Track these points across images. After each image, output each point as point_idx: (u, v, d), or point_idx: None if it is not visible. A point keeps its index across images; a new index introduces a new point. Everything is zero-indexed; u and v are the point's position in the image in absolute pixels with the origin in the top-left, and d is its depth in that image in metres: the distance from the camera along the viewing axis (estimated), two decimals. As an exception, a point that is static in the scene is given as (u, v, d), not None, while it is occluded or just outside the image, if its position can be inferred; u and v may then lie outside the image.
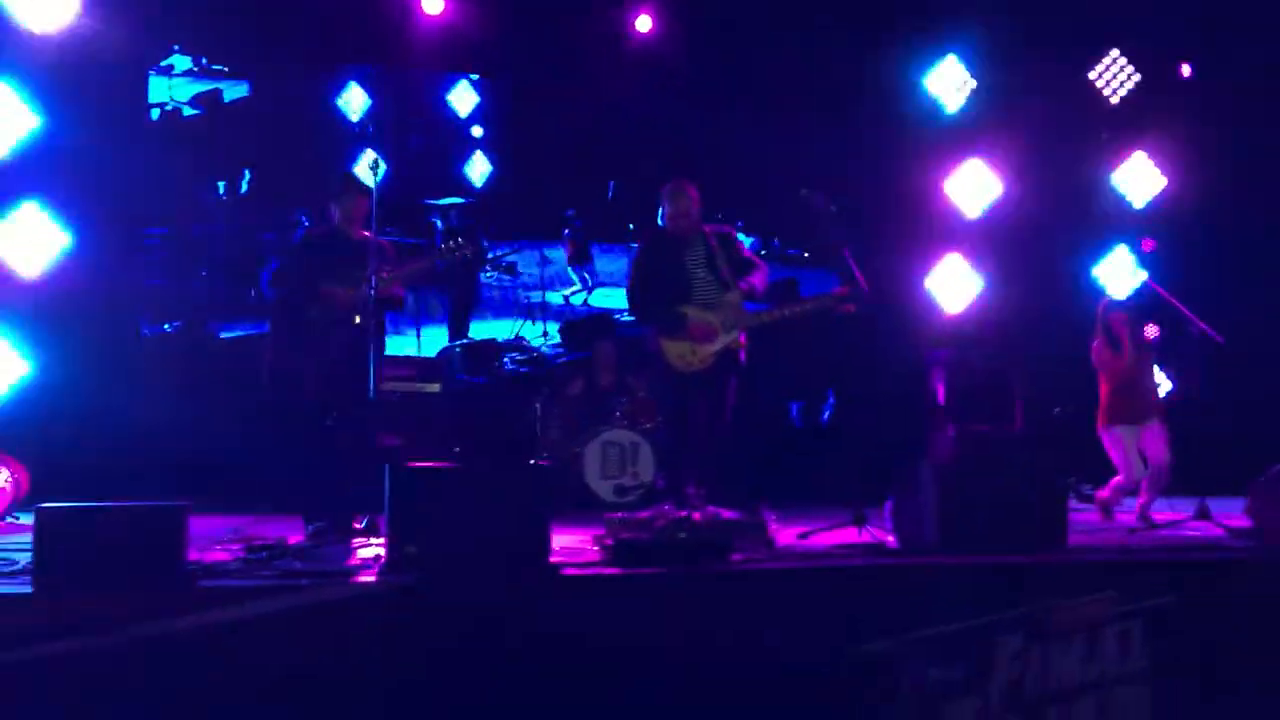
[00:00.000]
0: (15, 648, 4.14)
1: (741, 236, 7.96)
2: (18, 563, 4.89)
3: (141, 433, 7.86)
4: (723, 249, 6.65)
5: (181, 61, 11.43)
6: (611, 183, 12.71)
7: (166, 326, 10.08)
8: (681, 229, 6.63)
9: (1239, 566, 5.58)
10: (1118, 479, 7.42)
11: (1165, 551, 5.88)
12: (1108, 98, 10.23)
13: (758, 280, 6.69)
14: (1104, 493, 7.55)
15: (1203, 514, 6.73)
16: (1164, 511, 7.04)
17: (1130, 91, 10.20)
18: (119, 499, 4.74)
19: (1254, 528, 6.07)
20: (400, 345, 10.42)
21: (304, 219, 11.34)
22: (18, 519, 6.94)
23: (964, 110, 10.06)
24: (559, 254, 12.51)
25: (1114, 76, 10.21)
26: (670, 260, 6.63)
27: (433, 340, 10.65)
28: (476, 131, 13.16)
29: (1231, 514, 6.49)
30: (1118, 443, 7.34)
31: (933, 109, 10.07)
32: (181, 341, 10.01)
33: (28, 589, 4.45)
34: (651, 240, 6.82)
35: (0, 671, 4.10)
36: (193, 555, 4.83)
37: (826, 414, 10.48)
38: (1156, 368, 7.64)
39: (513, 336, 10.96)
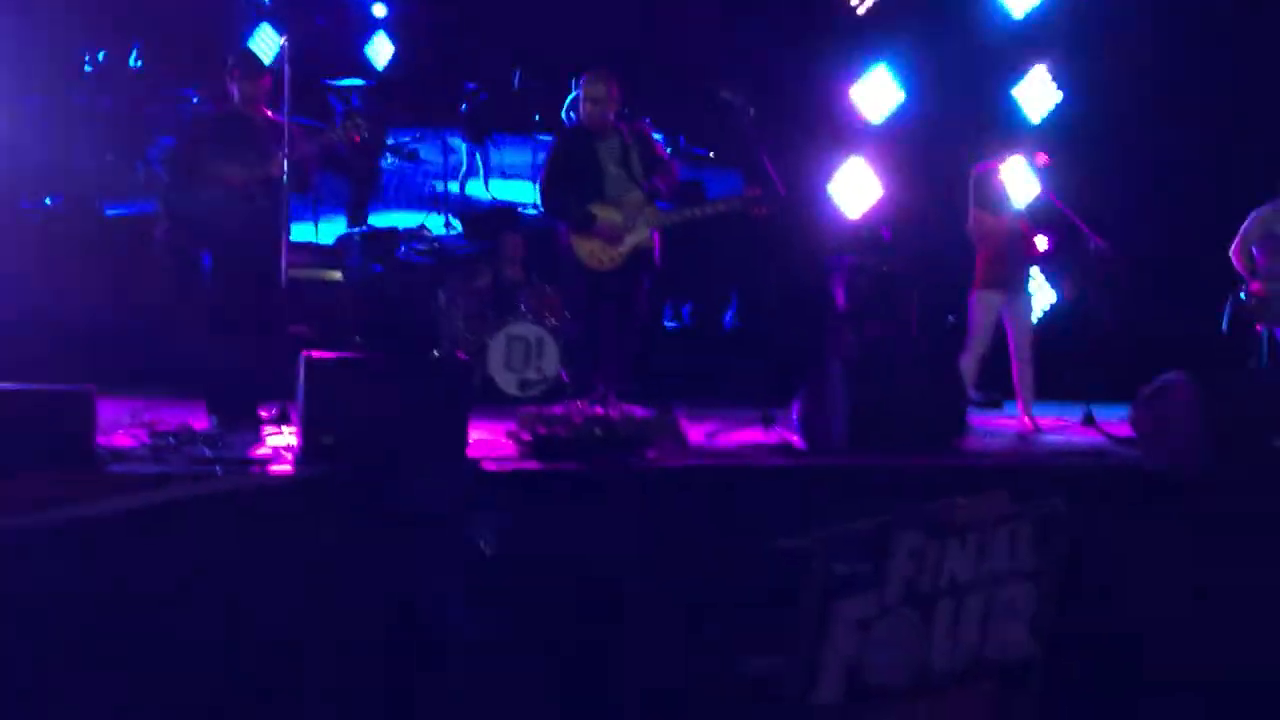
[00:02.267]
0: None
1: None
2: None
3: (23, 310, 7.55)
4: (637, 146, 6.61)
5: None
6: (517, 71, 12.45)
7: (48, 200, 9.64)
8: (597, 122, 6.56)
9: (1120, 474, 5.88)
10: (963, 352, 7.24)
11: (1054, 457, 6.16)
12: (1013, 11, 10.34)
13: (668, 180, 6.68)
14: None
15: (1088, 421, 7.03)
16: (1051, 418, 7.31)
17: (1035, 7, 10.31)
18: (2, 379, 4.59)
19: (1136, 436, 6.37)
20: (297, 231, 10.14)
21: (194, 96, 10.89)
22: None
23: (872, 13, 10.09)
24: (461, 143, 12.22)
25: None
26: (584, 155, 6.57)
27: (330, 228, 10.39)
28: (379, 10, 12.72)
29: (1115, 422, 6.81)
30: (979, 308, 7.27)
31: (842, 11, 10.08)
32: (65, 217, 9.58)
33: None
34: (566, 134, 6.75)
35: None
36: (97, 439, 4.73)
37: (729, 316, 10.61)
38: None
39: (415, 226, 10.74)
